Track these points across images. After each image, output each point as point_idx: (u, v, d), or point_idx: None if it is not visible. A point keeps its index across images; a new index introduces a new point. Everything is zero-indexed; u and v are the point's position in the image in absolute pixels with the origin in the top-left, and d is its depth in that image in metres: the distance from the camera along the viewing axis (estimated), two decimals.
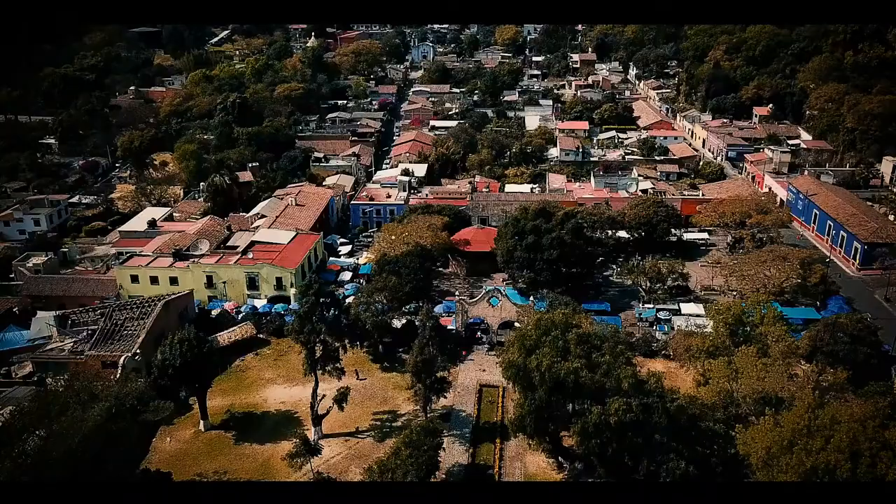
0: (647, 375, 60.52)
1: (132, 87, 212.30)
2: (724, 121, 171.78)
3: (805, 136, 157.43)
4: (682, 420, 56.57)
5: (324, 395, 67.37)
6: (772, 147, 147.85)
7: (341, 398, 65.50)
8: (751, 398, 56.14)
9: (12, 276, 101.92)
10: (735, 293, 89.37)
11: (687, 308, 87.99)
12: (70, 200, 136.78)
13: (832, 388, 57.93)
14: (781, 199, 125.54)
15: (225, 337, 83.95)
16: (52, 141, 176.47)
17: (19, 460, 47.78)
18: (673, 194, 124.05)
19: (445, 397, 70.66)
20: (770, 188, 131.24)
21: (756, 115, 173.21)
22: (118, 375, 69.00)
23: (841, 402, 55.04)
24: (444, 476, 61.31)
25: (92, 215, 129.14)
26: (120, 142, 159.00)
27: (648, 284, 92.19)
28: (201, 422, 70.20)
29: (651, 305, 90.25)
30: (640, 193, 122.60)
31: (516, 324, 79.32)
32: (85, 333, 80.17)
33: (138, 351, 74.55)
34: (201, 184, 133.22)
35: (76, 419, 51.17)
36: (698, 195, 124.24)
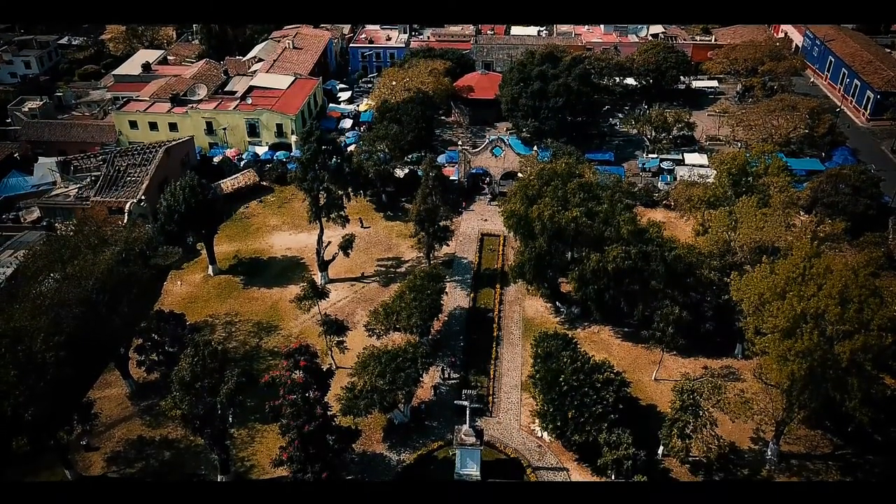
0: (647, 224, 61.39)
1: None
2: None
3: None
4: (678, 268, 58.03)
5: (329, 242, 68.66)
6: None
7: (346, 245, 66.76)
8: (748, 247, 57.02)
9: (9, 121, 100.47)
10: (740, 143, 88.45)
11: (691, 158, 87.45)
12: (59, 42, 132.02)
13: (829, 239, 58.64)
14: (797, 45, 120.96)
15: (228, 184, 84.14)
16: None
17: (37, 301, 49.50)
18: (684, 39, 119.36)
19: (448, 245, 72.04)
20: (786, 33, 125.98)
21: None
22: (125, 221, 69.88)
23: (836, 251, 56.05)
24: (446, 318, 63.95)
25: (84, 58, 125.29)
26: None
27: (654, 134, 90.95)
28: (209, 266, 72.08)
29: (655, 155, 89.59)
30: (650, 38, 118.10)
31: (519, 174, 79.16)
32: (89, 179, 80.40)
33: (143, 197, 75.06)
34: (194, 25, 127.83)
35: (88, 262, 52.49)
36: (711, 40, 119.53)
